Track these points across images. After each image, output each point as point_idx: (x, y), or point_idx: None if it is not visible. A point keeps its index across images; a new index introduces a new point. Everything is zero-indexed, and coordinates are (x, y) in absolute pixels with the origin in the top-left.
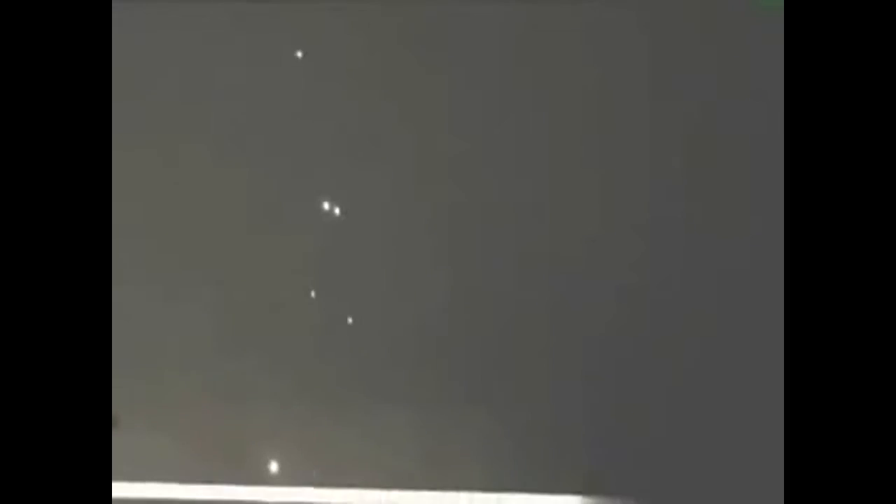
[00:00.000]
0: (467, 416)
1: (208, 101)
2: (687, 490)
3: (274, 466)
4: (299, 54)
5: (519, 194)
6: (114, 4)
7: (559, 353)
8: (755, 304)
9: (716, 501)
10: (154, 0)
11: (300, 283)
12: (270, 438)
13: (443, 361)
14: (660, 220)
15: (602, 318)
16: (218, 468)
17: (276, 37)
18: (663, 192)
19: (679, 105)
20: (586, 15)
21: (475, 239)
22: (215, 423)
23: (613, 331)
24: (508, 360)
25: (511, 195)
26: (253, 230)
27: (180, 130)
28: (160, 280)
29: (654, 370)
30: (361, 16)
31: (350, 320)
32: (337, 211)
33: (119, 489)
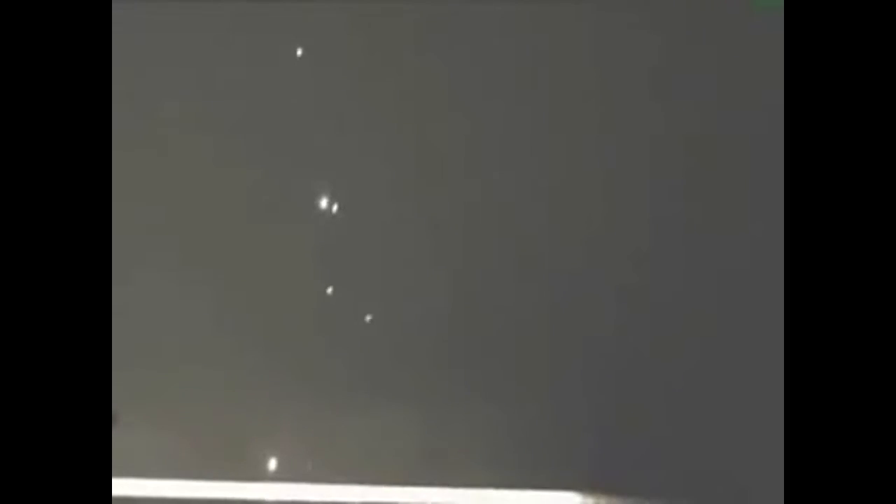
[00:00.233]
0: (468, 412)
1: (209, 100)
2: (687, 488)
3: (274, 463)
4: (299, 52)
5: (519, 194)
6: (114, 4)
7: (560, 351)
8: (755, 304)
9: (716, 500)
10: (154, 0)
11: (301, 281)
12: (271, 435)
13: (444, 358)
14: (660, 220)
15: (603, 317)
16: (218, 465)
17: (276, 36)
18: (663, 192)
19: (679, 105)
20: (586, 15)
21: (476, 238)
22: (215, 420)
23: (614, 330)
24: (510, 357)
25: (511, 194)
26: (252, 228)
27: (181, 130)
28: (160, 277)
29: (654, 369)
30: (362, 14)
31: (351, 318)
32: (336, 208)
33: (119, 486)
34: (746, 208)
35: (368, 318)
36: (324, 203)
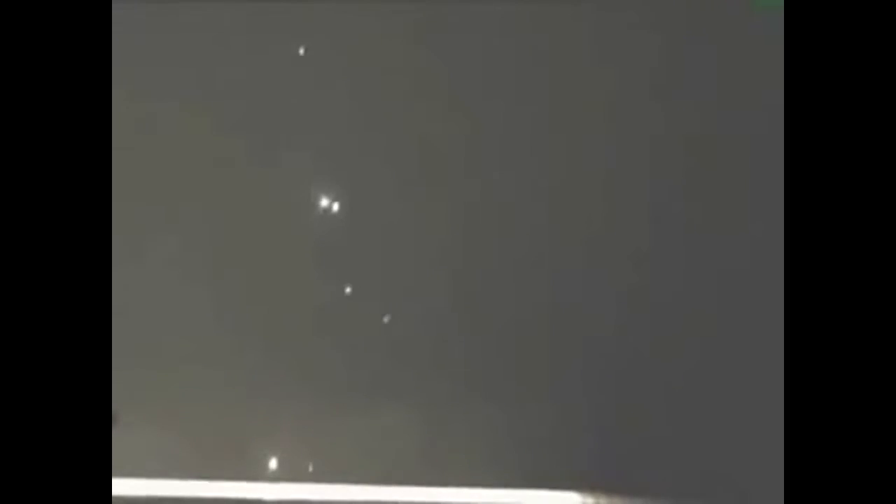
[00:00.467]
0: (468, 412)
1: (209, 100)
2: (687, 488)
3: (274, 463)
4: (301, 52)
5: (519, 194)
6: (114, 4)
7: (561, 351)
8: (755, 304)
9: (716, 500)
10: (154, 0)
11: (301, 281)
12: (271, 435)
13: (444, 358)
14: (660, 220)
15: (603, 317)
16: (218, 465)
17: (276, 35)
18: (663, 192)
19: (679, 105)
20: (586, 15)
21: (476, 238)
22: (215, 420)
23: (614, 330)
24: (510, 357)
25: (511, 194)
26: (252, 228)
27: (181, 129)
28: (160, 277)
29: (654, 369)
30: (364, 13)
31: (352, 318)
32: (336, 208)
33: (119, 486)
34: (746, 208)
35: (369, 318)
36: (324, 203)
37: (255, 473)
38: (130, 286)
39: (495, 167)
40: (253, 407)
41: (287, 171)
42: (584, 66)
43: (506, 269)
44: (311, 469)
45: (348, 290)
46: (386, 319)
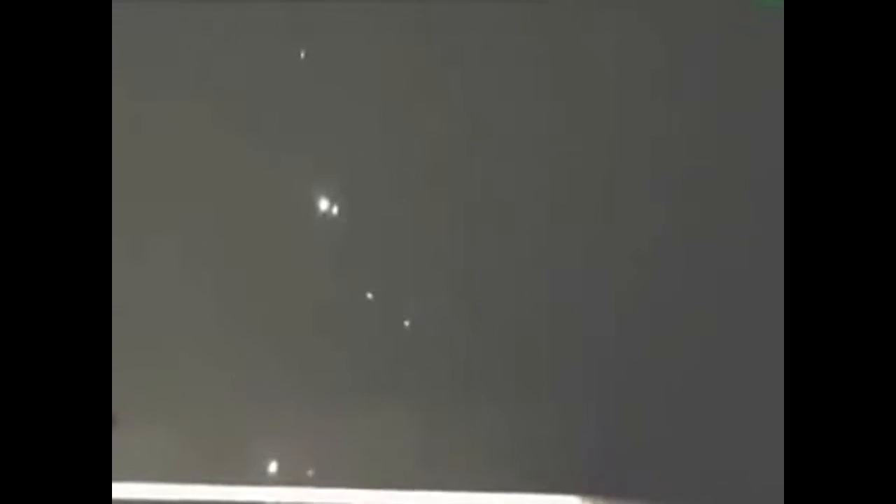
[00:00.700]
0: (469, 415)
1: (210, 100)
2: (687, 488)
3: (274, 466)
4: (302, 55)
5: (519, 194)
6: (114, 4)
7: (560, 354)
8: (755, 304)
9: (716, 500)
10: (154, 0)
11: (301, 283)
12: (271, 438)
13: (445, 361)
14: (660, 220)
15: (603, 317)
16: (218, 468)
17: (278, 35)
18: (663, 192)
19: (679, 105)
20: (586, 15)
21: (475, 238)
22: (215, 424)
23: (614, 330)
24: (510, 360)
25: (511, 194)
26: (252, 230)
27: (181, 130)
28: (159, 279)
29: (654, 369)
30: (364, 13)
31: (352, 320)
32: (335, 210)
33: (119, 489)
34: (746, 208)
35: (369, 320)
36: (325, 203)
37: (256, 477)
38: (130, 286)
39: (495, 167)
40: (253, 410)
41: (288, 171)
42: (584, 65)
43: (506, 269)
44: (311, 473)
45: (349, 292)
46: (387, 322)
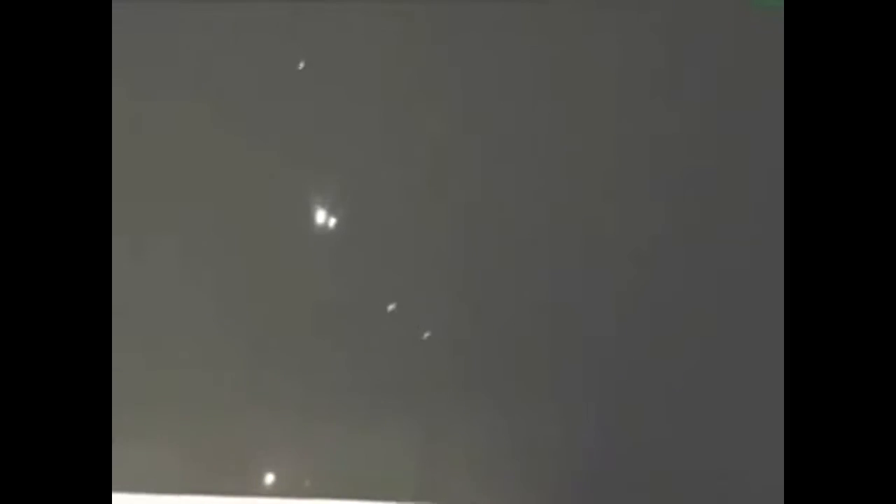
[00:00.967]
0: (468, 421)
1: (210, 100)
2: (688, 490)
3: (271, 477)
4: (303, 56)
5: (519, 194)
6: (114, 4)
7: (560, 354)
8: (755, 304)
9: (716, 500)
10: (154, 0)
11: (300, 293)
12: (268, 449)
13: (443, 365)
14: (660, 220)
15: (604, 317)
16: (215, 479)
17: (279, 36)
18: (663, 192)
19: (679, 105)
20: (585, 16)
21: (475, 238)
22: (212, 435)
23: (615, 331)
24: (510, 360)
25: (510, 194)
26: (251, 238)
27: (182, 130)
28: (159, 285)
29: (654, 371)
30: (366, 14)
31: (350, 330)
32: (333, 217)
33: (116, 501)
34: (746, 208)
35: (367, 330)
36: (324, 205)
37: (252, 488)
38: (130, 286)
39: (494, 167)
40: (250, 420)
41: (288, 171)
42: (584, 65)
43: (505, 268)
44: (307, 484)
45: (347, 301)
46: (385, 333)
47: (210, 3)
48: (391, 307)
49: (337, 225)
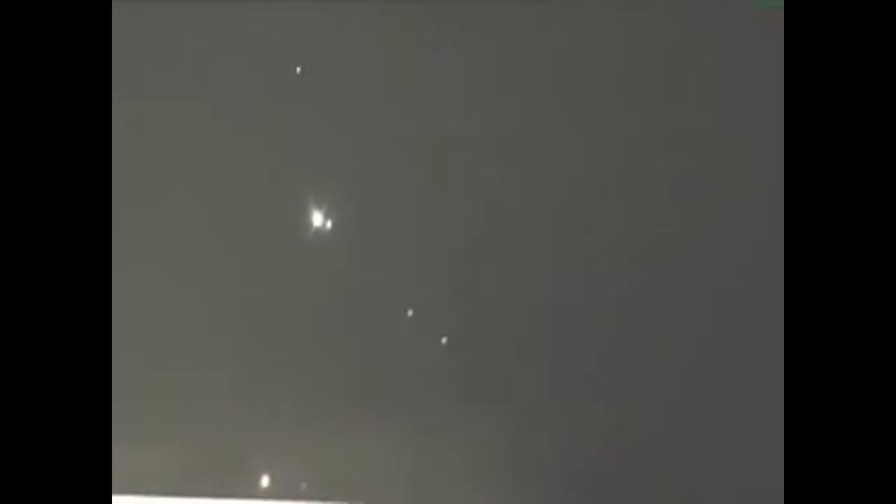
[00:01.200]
0: (465, 423)
1: (211, 100)
2: (688, 490)
3: (267, 480)
4: (303, 56)
5: (519, 194)
6: (114, 4)
7: (560, 354)
8: (755, 304)
9: (716, 500)
10: (154, 0)
11: (298, 296)
12: (266, 452)
13: (442, 374)
14: (660, 219)
15: (604, 318)
16: (212, 482)
17: (279, 36)
18: (663, 191)
19: (679, 105)
20: (585, 16)
21: (474, 239)
22: (210, 438)
23: (615, 331)
24: (510, 361)
25: (510, 194)
26: (249, 241)
27: (182, 129)
28: (159, 290)
29: (654, 371)
30: (366, 15)
31: (347, 333)
32: (331, 220)
33: (119, 502)
34: (746, 208)
35: (364, 333)
36: (324, 205)
37: (250, 490)
38: (130, 286)
39: (493, 167)
40: (248, 425)
41: (288, 171)
42: (583, 66)
43: (505, 268)
44: (304, 486)
45: (345, 304)
46: (382, 336)
47: (210, 3)
48: (410, 313)
49: (336, 225)
